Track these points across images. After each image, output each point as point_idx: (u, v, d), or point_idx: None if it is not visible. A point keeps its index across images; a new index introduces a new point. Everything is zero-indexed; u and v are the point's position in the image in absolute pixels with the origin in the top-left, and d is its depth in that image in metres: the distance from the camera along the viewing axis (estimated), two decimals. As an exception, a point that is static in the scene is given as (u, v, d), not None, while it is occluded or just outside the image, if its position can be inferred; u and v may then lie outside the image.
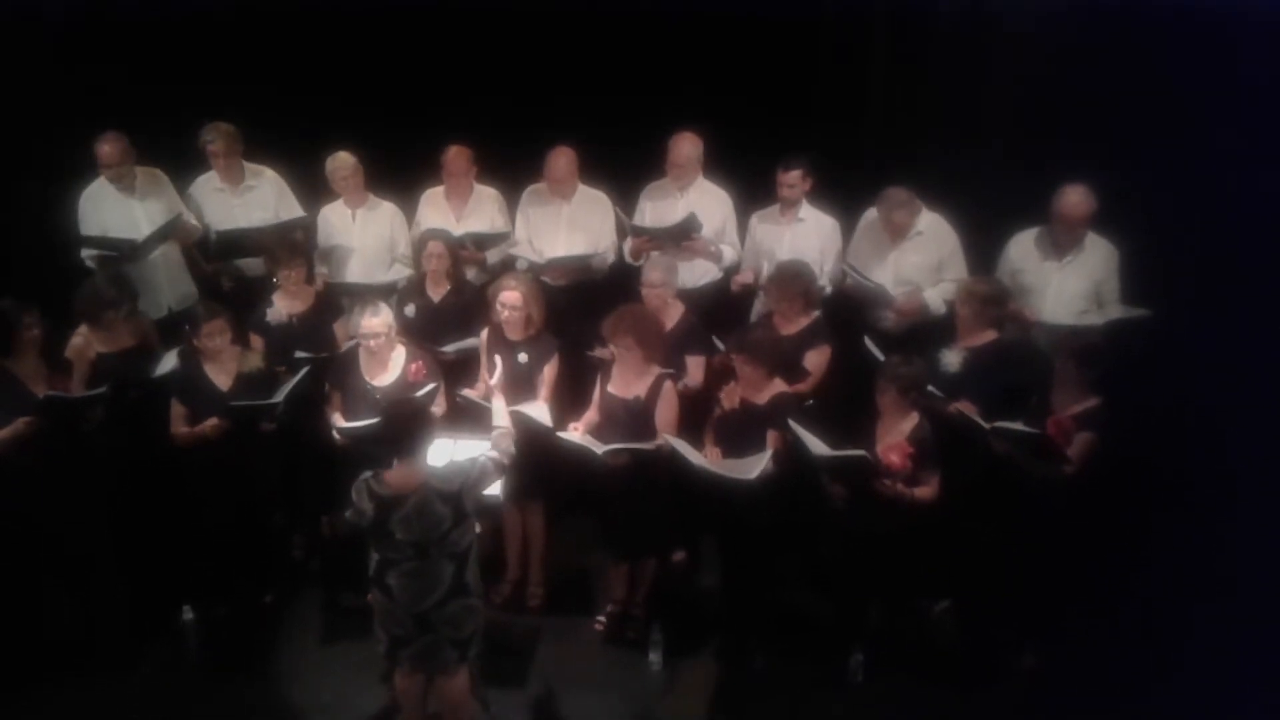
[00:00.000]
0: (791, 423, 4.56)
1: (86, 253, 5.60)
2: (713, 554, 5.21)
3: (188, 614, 5.19)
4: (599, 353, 5.18)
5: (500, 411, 4.41)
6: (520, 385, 5.05)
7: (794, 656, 4.94)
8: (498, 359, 4.93)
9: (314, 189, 5.98)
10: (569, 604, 5.32)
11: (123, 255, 5.52)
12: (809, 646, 4.94)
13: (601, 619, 5.19)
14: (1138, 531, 4.63)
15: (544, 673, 4.93)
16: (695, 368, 5.21)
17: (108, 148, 5.56)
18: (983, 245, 5.53)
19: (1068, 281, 5.27)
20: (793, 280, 5.18)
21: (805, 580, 5.13)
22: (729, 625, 5.06)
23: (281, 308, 5.38)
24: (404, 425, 3.96)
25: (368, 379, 5.02)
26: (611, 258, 5.89)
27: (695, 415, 4.97)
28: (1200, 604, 4.56)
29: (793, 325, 5.19)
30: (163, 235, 5.64)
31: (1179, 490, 4.76)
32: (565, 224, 5.84)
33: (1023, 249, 5.40)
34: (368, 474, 3.97)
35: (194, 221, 5.82)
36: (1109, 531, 4.56)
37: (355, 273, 5.85)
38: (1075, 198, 5.17)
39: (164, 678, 4.88)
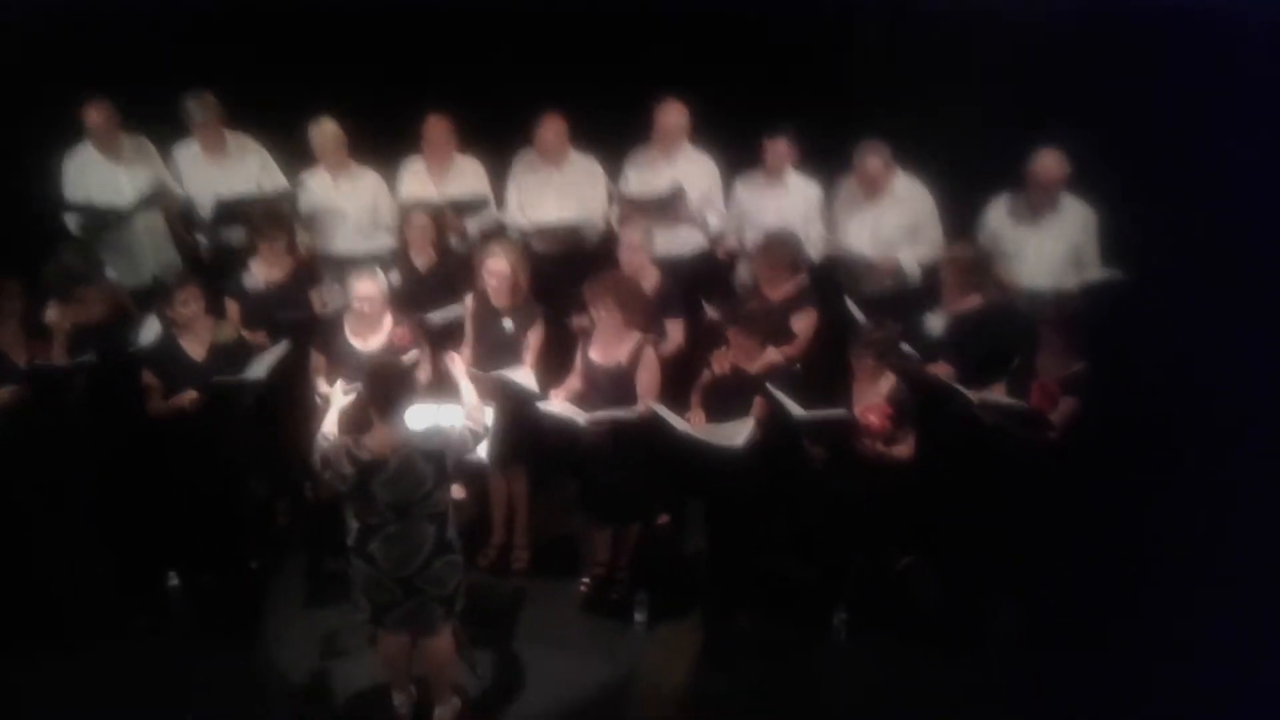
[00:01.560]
0: (769, 386, 4.58)
1: (70, 217, 5.56)
2: (698, 517, 5.23)
3: (173, 580, 5.18)
4: (577, 323, 5.20)
5: (466, 385, 4.40)
6: (506, 352, 5.05)
7: (778, 618, 4.96)
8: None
9: (296, 157, 5.95)
10: (553, 567, 5.33)
11: (107, 222, 5.49)
12: (793, 608, 4.97)
13: (586, 581, 5.21)
14: (1121, 494, 4.65)
15: (529, 635, 4.95)
16: (675, 330, 5.23)
17: (95, 114, 5.53)
18: (963, 213, 5.55)
19: (1045, 244, 5.30)
20: (779, 249, 5.21)
21: (788, 543, 5.14)
22: (713, 588, 5.08)
23: (259, 274, 5.37)
24: (387, 386, 3.96)
25: (354, 342, 5.02)
26: (602, 226, 5.87)
27: (678, 379, 4.98)
28: (1185, 566, 4.59)
29: (779, 291, 5.21)
30: (148, 204, 5.62)
31: (1164, 453, 4.78)
32: (556, 191, 5.82)
33: (1000, 214, 5.43)
34: (343, 440, 3.96)
35: (179, 190, 5.79)
36: (1091, 494, 4.58)
37: (339, 241, 5.83)
38: (1049, 160, 5.21)
39: (149, 645, 4.86)
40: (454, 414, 4.25)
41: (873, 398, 4.55)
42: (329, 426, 4.14)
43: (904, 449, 4.55)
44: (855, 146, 5.52)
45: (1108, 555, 4.67)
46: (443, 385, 5.05)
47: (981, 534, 4.71)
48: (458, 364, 4.54)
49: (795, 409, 4.48)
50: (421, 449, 3.91)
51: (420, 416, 4.15)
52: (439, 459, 3.93)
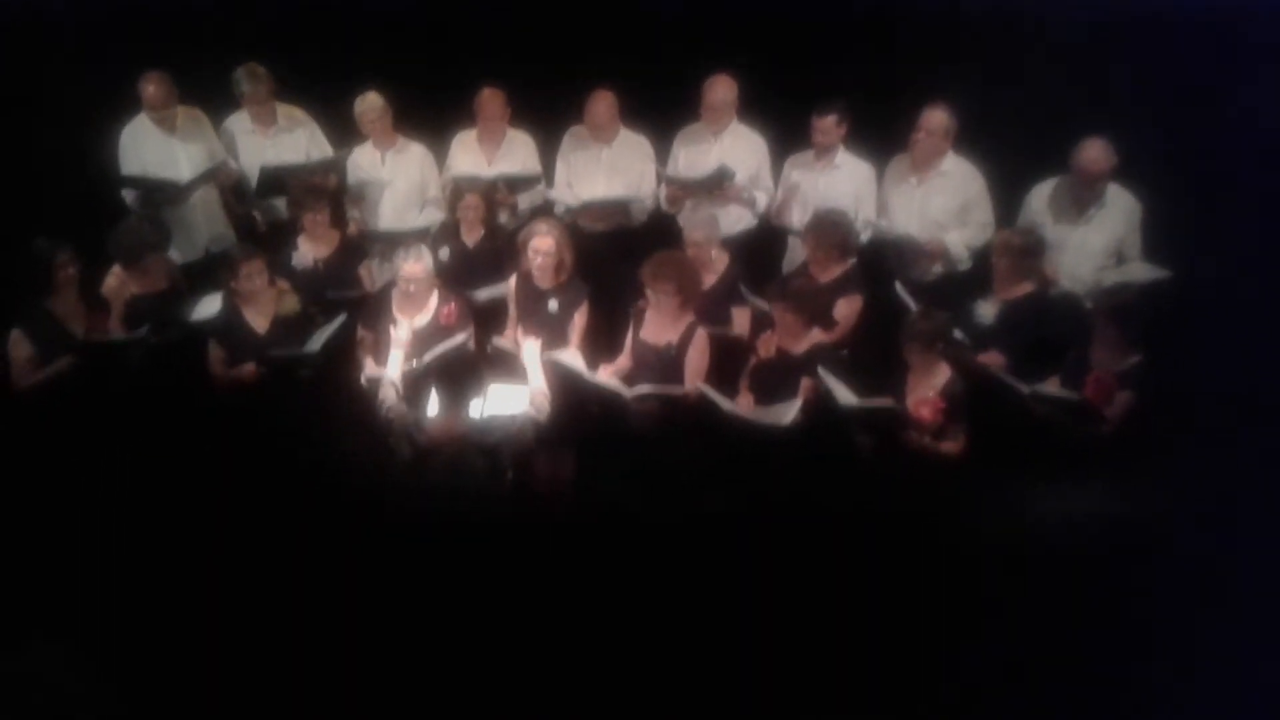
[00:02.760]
0: (821, 371, 4.56)
1: (127, 192, 5.62)
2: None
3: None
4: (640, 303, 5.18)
5: (535, 370, 4.38)
6: (551, 332, 5.06)
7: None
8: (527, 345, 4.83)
9: (347, 131, 5.95)
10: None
11: (166, 197, 5.54)
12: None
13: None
14: (1174, 494, 4.59)
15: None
16: (741, 318, 5.22)
17: (153, 88, 5.55)
18: (1014, 195, 5.47)
19: (1089, 237, 5.21)
20: (831, 230, 5.16)
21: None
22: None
23: (307, 251, 5.41)
24: (457, 375, 3.98)
25: (402, 319, 5.03)
26: (650, 205, 5.85)
27: (730, 366, 4.97)
28: (1240, 571, 4.53)
29: (828, 274, 5.18)
30: (206, 178, 5.67)
31: (1217, 453, 4.71)
32: (605, 168, 5.79)
33: (1043, 202, 5.34)
34: (410, 416, 3.99)
35: (234, 165, 5.83)
36: (1145, 491, 4.53)
37: (386, 215, 5.85)
38: (1094, 152, 5.09)
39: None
40: (519, 397, 4.24)
41: (926, 390, 4.51)
42: (389, 389, 4.13)
43: (954, 445, 4.50)
44: (907, 123, 5.43)
45: (1163, 557, 4.60)
46: (490, 365, 5.11)
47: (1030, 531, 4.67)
48: (530, 348, 4.52)
49: (845, 395, 4.46)
50: (478, 443, 3.93)
51: (489, 397, 4.15)
52: (493, 453, 3.96)
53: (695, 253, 5.15)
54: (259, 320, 4.97)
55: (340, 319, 4.99)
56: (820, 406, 4.63)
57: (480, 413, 4.03)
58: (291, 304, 5.06)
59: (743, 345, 5.10)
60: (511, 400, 4.26)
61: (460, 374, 4.01)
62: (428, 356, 4.59)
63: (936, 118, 5.34)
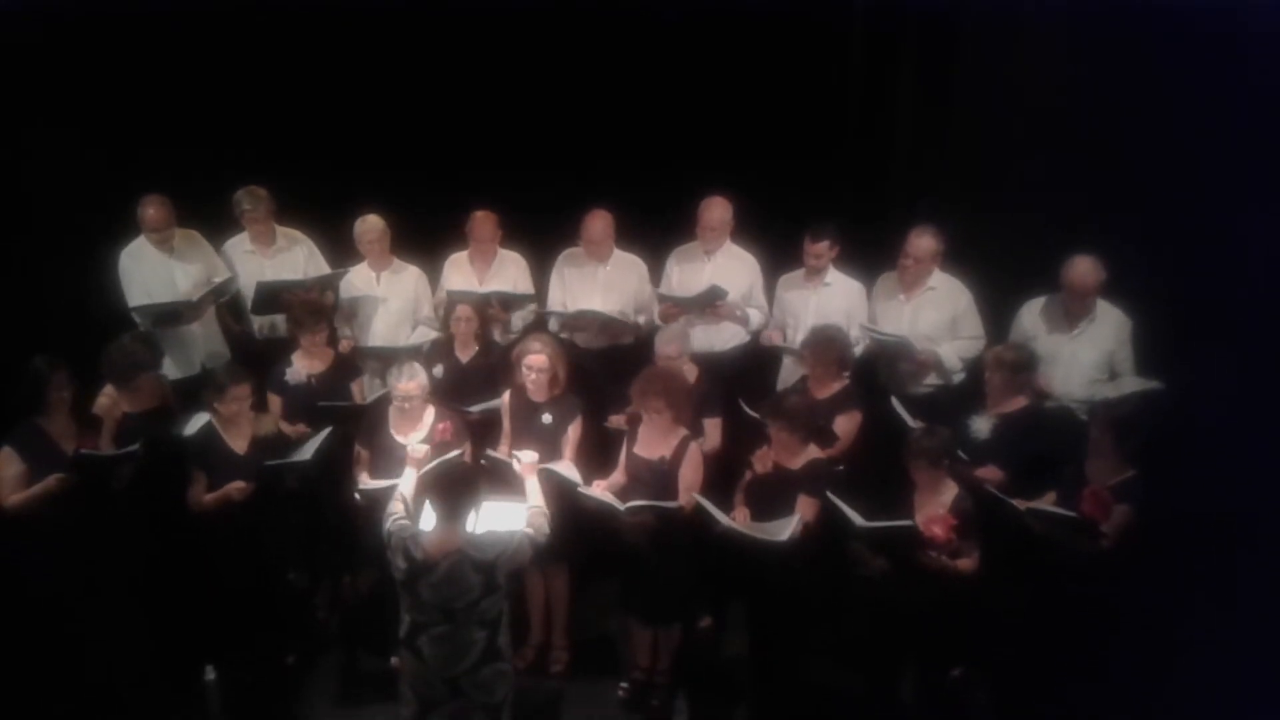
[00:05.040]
0: (830, 495, 4.54)
1: (139, 314, 5.66)
2: (740, 621, 5.13)
3: (210, 674, 5.13)
4: (613, 421, 5.21)
5: (535, 491, 4.38)
6: (545, 446, 5.03)
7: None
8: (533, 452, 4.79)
9: (344, 253, 6.05)
10: (593, 668, 5.24)
11: (180, 318, 5.61)
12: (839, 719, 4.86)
13: (625, 685, 5.11)
14: (1176, 607, 4.54)
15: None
16: (713, 430, 5.22)
17: (153, 210, 5.65)
18: (1005, 312, 5.55)
19: (1080, 351, 5.27)
20: (829, 345, 5.20)
21: (835, 650, 5.03)
22: (756, 695, 4.97)
23: (300, 368, 5.43)
24: (453, 491, 3.93)
25: (397, 437, 5.03)
26: (643, 321, 5.91)
27: (715, 478, 4.95)
28: (1240, 682, 4.45)
29: (826, 390, 5.20)
30: (218, 294, 5.74)
31: (1219, 562, 4.68)
32: (601, 287, 5.87)
33: (1033, 317, 5.42)
34: (408, 533, 3.94)
35: (236, 284, 5.89)
36: (1146, 606, 4.48)
37: (379, 335, 5.89)
38: (1084, 267, 5.18)
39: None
40: (516, 514, 4.20)
41: (935, 507, 4.47)
42: (397, 503, 4.11)
43: (968, 561, 4.44)
44: (894, 242, 5.54)
45: (1167, 671, 4.53)
46: (488, 478, 5.07)
47: (1035, 646, 4.59)
48: (526, 463, 4.51)
49: (857, 519, 4.42)
50: (474, 558, 3.87)
51: (485, 514, 4.11)
52: (489, 570, 3.88)
53: (667, 365, 5.17)
54: (238, 441, 4.95)
55: (327, 430, 4.98)
56: (823, 525, 4.58)
57: (475, 528, 3.97)
58: (269, 425, 5.07)
59: (719, 457, 5.09)
60: (507, 517, 4.21)
61: (456, 488, 3.96)
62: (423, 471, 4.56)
63: (924, 244, 5.43)
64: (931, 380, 5.51)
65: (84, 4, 5.98)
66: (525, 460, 4.53)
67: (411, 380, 4.97)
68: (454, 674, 3.95)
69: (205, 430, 4.95)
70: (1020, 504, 4.51)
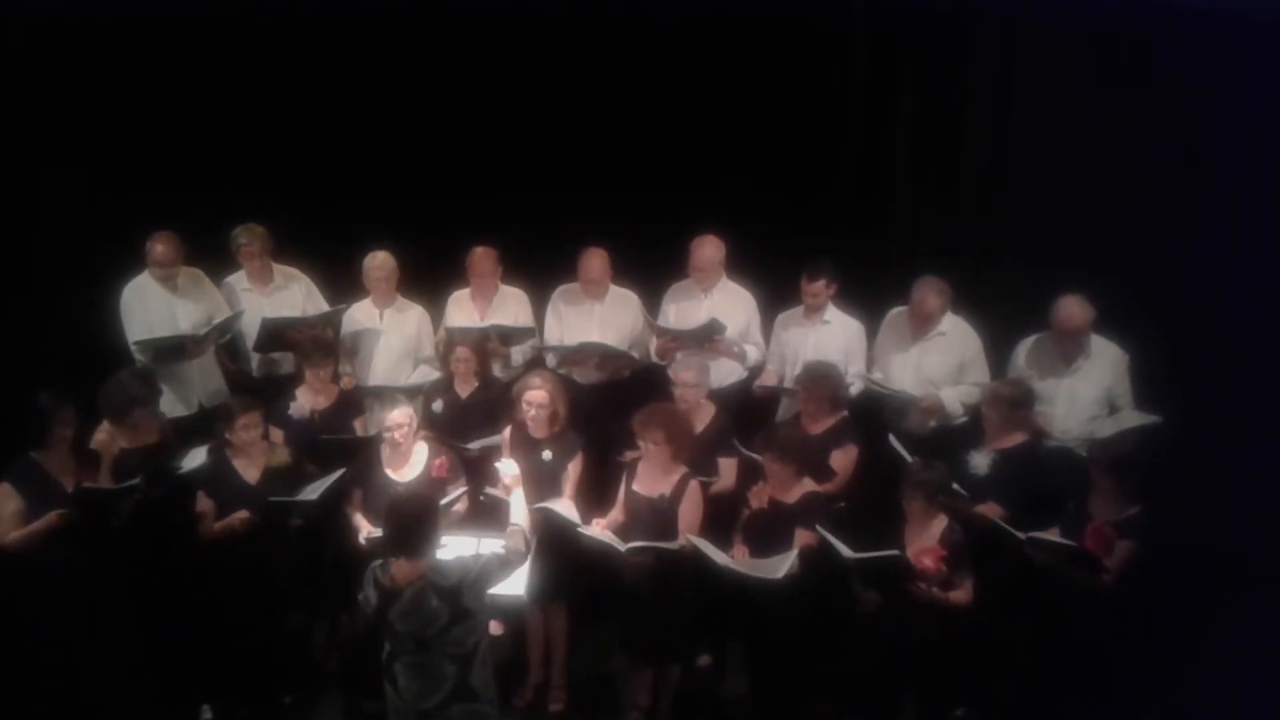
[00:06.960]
0: (819, 528, 4.53)
1: (137, 349, 5.68)
2: (741, 660, 5.09)
3: (207, 714, 5.08)
4: (628, 456, 5.17)
5: (518, 508, 4.34)
6: (544, 483, 5.02)
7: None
8: (514, 462, 4.81)
9: (342, 290, 6.08)
10: (592, 709, 5.20)
11: (184, 350, 5.63)
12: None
13: (625, 726, 5.07)
14: (1178, 642, 4.51)
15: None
16: (727, 470, 5.20)
17: (162, 247, 5.68)
18: (1004, 350, 5.56)
19: (1077, 388, 5.27)
20: (821, 381, 5.20)
21: (836, 688, 4.99)
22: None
23: (304, 403, 5.43)
24: (409, 520, 3.90)
25: (390, 474, 5.02)
26: (639, 355, 5.91)
27: (722, 518, 4.93)
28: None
29: (820, 425, 5.19)
30: (223, 330, 5.77)
31: (1223, 598, 4.66)
32: (598, 323, 5.88)
33: (1030, 357, 5.42)
34: (378, 561, 3.92)
35: (238, 322, 5.92)
36: (1148, 641, 4.45)
37: (379, 372, 5.90)
38: (1071, 308, 5.20)
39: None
40: (491, 549, 4.17)
41: (925, 540, 4.46)
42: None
43: (961, 594, 4.42)
44: (904, 282, 5.57)
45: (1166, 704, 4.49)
46: (483, 516, 5.06)
47: (1036, 681, 4.56)
48: (510, 478, 4.47)
49: (845, 550, 4.41)
50: (435, 584, 3.81)
51: (460, 550, 4.08)
52: (453, 595, 3.81)
53: (684, 393, 5.17)
54: (250, 471, 4.95)
55: (339, 472, 4.97)
56: (820, 559, 4.57)
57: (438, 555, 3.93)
58: (282, 456, 5.05)
59: (729, 497, 5.06)
60: (484, 551, 4.17)
61: (415, 515, 3.90)
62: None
63: (931, 302, 5.41)
64: (931, 421, 5.50)
65: (89, 40, 6.10)
66: (508, 474, 4.48)
67: (399, 411, 4.99)
68: (425, 708, 3.88)
69: (216, 459, 4.96)
70: (1020, 535, 4.48)
